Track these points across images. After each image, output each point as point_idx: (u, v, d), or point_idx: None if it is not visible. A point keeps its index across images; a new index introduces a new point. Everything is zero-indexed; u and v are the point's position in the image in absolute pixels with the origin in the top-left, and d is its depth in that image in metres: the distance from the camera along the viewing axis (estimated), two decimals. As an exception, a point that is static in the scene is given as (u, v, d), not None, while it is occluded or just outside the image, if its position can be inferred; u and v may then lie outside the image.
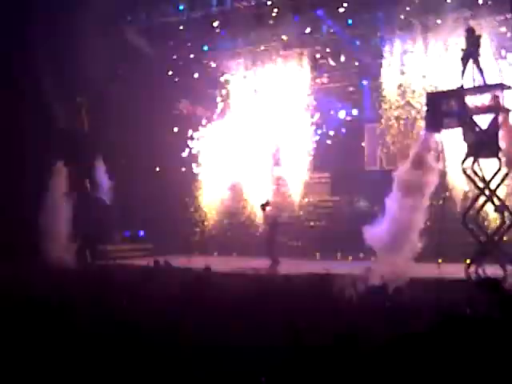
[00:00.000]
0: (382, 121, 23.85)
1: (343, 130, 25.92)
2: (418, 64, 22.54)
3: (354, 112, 25.85)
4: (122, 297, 11.64)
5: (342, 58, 24.61)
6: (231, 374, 6.53)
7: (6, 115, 20.94)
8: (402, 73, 23.00)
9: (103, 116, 23.11)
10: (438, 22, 21.74)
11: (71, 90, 22.72)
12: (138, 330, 8.20)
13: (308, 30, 24.49)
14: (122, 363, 6.91)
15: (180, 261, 19.43)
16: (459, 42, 20.96)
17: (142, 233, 26.01)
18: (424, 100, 21.82)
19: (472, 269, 15.13)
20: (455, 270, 15.68)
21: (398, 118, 23.40)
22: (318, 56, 25.23)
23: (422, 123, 20.93)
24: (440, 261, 17.80)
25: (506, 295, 7.13)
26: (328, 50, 24.91)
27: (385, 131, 24.54)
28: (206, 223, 26.62)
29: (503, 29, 21.01)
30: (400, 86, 22.99)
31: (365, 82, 25.13)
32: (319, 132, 25.69)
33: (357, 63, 24.90)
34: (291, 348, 7.09)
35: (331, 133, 25.71)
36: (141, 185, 24.02)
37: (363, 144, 25.79)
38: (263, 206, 20.76)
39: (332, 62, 24.99)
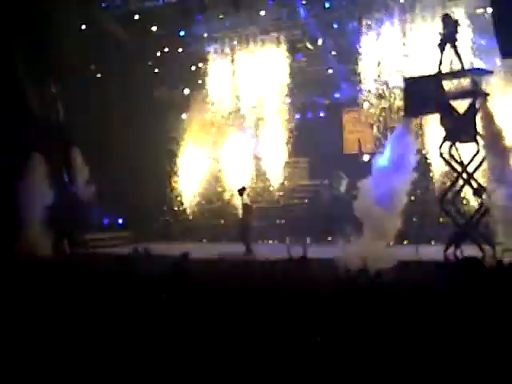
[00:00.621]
0: (361, 104, 23.85)
1: (321, 114, 25.91)
2: (396, 47, 22.47)
3: (333, 96, 25.76)
4: (101, 286, 11.59)
5: (320, 42, 24.49)
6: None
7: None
8: (381, 56, 22.90)
9: (79, 105, 22.88)
10: (416, 3, 21.74)
11: (46, 80, 22.46)
12: (117, 318, 8.22)
13: (285, 14, 24.37)
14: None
15: (159, 248, 19.43)
16: (437, 23, 21.19)
17: (120, 221, 25.84)
18: (402, 84, 22.10)
19: (450, 251, 15.22)
20: (434, 252, 15.78)
21: (376, 102, 23.37)
22: (295, 40, 25.08)
23: (400, 107, 21.06)
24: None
25: (486, 273, 7.25)
26: (305, 33, 24.76)
27: (363, 115, 24.56)
28: (185, 210, 26.56)
29: (480, 10, 21.00)
30: (379, 69, 22.92)
31: (342, 66, 24.98)
32: (297, 116, 25.64)
33: (335, 46, 24.79)
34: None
35: (309, 117, 25.68)
36: (118, 173, 23.83)
37: (342, 128, 25.72)
38: (240, 192, 20.69)
39: (310, 46, 24.88)
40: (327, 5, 23.53)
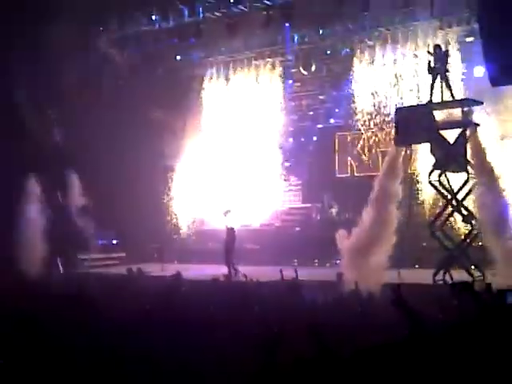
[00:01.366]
0: (353, 128, 24.25)
1: (314, 138, 26.25)
2: (388, 72, 22.91)
3: (326, 120, 26.15)
4: (94, 306, 11.75)
5: (313, 68, 24.90)
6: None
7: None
8: (373, 81, 23.31)
9: (76, 128, 23.20)
10: (408, 31, 22.22)
11: (43, 102, 22.82)
12: (110, 339, 8.31)
13: (279, 40, 24.83)
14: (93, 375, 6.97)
15: (153, 269, 19.68)
16: (428, 50, 21.62)
17: (114, 241, 26.01)
18: (394, 112, 22.49)
19: (439, 275, 15.44)
20: (422, 276, 15.97)
21: (368, 126, 23.75)
22: (289, 65, 25.49)
23: (392, 132, 21.43)
24: (417, 266, 18.20)
25: (478, 297, 7.38)
26: (299, 59, 25.18)
27: (356, 139, 24.97)
28: (180, 232, 26.78)
29: (470, 39, 21.43)
30: (371, 94, 23.32)
31: (335, 91, 25.38)
32: (290, 140, 25.98)
33: (328, 72, 25.21)
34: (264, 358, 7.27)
35: (303, 140, 26.05)
36: (115, 194, 24.00)
37: (334, 152, 26.08)
38: (225, 214, 20.73)
39: (303, 71, 25.27)
40: (321, 32, 23.88)
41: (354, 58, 23.48)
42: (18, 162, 21.46)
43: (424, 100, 19.34)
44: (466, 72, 21.17)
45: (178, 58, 26.82)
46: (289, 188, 26.19)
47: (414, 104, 19.55)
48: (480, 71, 20.33)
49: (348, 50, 24.05)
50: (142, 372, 7.07)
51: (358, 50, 23.40)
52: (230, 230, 20.23)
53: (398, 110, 18.42)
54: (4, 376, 6.79)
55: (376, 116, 23.27)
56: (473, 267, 15.56)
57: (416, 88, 21.67)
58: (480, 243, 16.23)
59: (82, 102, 22.98)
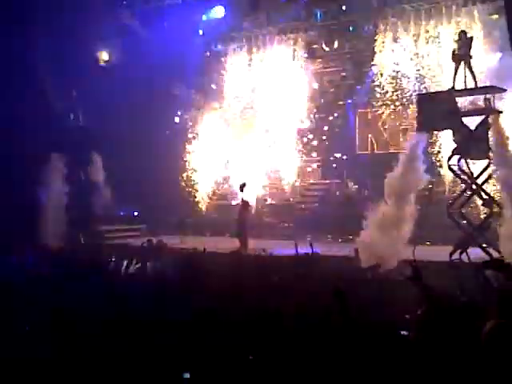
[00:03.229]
0: (375, 106, 24.27)
1: (335, 115, 26.26)
2: (410, 50, 22.84)
3: (347, 97, 26.14)
4: (115, 276, 12.02)
5: (336, 44, 24.87)
6: (220, 349, 6.81)
7: (7, 110, 21.43)
8: (395, 59, 23.26)
9: (99, 107, 23.53)
10: (431, 8, 22.11)
11: (68, 82, 23.29)
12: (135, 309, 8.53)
13: (302, 16, 24.82)
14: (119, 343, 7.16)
15: (173, 241, 19.99)
16: (450, 28, 21.53)
17: (136, 213, 26.32)
18: (416, 85, 22.48)
19: (456, 254, 15.53)
20: (439, 253, 16.05)
21: (390, 104, 23.73)
22: (311, 42, 25.48)
23: (413, 109, 21.43)
24: (428, 243, 18.23)
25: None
26: (322, 36, 25.17)
27: (377, 117, 24.96)
28: (199, 205, 27.05)
29: (495, 16, 21.28)
30: (392, 71, 23.27)
31: (357, 68, 25.35)
32: (311, 116, 26.01)
33: (350, 49, 25.18)
34: (278, 327, 7.44)
35: (323, 117, 26.10)
36: (136, 168, 24.24)
37: (355, 129, 26.10)
38: (241, 188, 20.80)
39: (326, 48, 25.25)
40: (343, 7, 23.84)
41: (377, 35, 23.40)
42: (44, 142, 21.88)
43: (446, 80, 19.34)
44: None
45: (201, 32, 26.85)
46: (308, 164, 26.25)
47: (437, 90, 19.48)
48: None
49: (371, 26, 23.98)
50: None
51: (381, 27, 23.30)
52: (245, 203, 20.36)
53: (420, 96, 18.42)
54: None
55: (397, 93, 23.24)
56: (490, 247, 15.61)
57: (438, 67, 21.56)
58: (498, 224, 16.18)
59: (105, 77, 23.19)
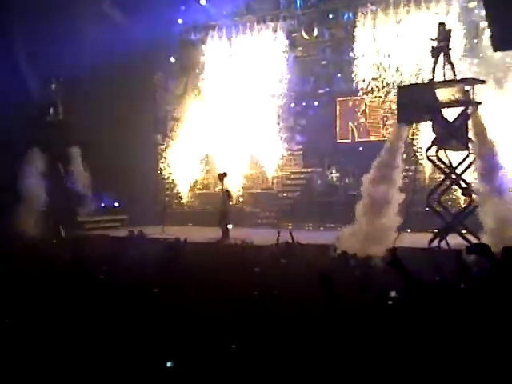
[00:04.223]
0: (355, 94, 24.31)
1: (316, 103, 26.27)
2: (390, 38, 22.86)
3: (327, 85, 26.15)
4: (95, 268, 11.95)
5: (315, 32, 24.85)
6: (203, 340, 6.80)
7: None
8: (375, 47, 23.28)
9: (79, 96, 23.40)
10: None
11: (47, 73, 23.19)
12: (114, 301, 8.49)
13: (282, 4, 24.78)
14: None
15: (154, 231, 19.94)
16: (429, 15, 21.59)
17: (117, 204, 26.22)
18: (396, 73, 22.55)
19: (435, 241, 15.67)
20: (417, 240, 16.16)
21: (370, 92, 23.78)
22: (291, 30, 25.44)
23: (393, 96, 21.51)
24: (409, 230, 18.34)
25: (494, 258, 7.52)
26: (301, 24, 25.14)
27: (357, 105, 25.01)
28: (181, 195, 27.02)
29: (473, 3, 21.37)
30: (373, 59, 23.29)
31: (337, 56, 25.36)
32: (292, 105, 26.01)
33: (330, 37, 25.18)
34: (259, 315, 7.45)
35: (304, 105, 26.11)
36: (117, 160, 24.14)
37: (335, 117, 26.13)
38: (221, 177, 20.75)
39: (306, 36, 25.23)
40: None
41: (357, 23, 23.41)
42: (22, 137, 21.84)
43: (426, 67, 19.46)
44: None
45: (180, 21, 26.71)
46: (290, 153, 26.26)
47: (416, 82, 19.60)
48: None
49: (350, 14, 23.99)
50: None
51: (361, 15, 23.31)
52: (225, 193, 20.35)
53: (399, 88, 18.50)
54: None
55: (377, 81, 23.28)
56: (469, 233, 15.76)
57: (417, 54, 21.60)
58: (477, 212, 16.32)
59: (84, 67, 23.00)
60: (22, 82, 22.80)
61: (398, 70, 22.53)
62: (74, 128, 24.10)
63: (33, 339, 6.82)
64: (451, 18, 20.77)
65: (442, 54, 16.45)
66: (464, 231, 15.83)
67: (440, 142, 16.20)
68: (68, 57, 21.73)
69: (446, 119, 16.11)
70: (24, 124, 22.34)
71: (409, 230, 17.29)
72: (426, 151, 16.67)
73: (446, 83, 16.45)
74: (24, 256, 13.84)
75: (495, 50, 18.23)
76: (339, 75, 25.43)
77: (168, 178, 27.00)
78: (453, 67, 16.44)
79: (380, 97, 23.66)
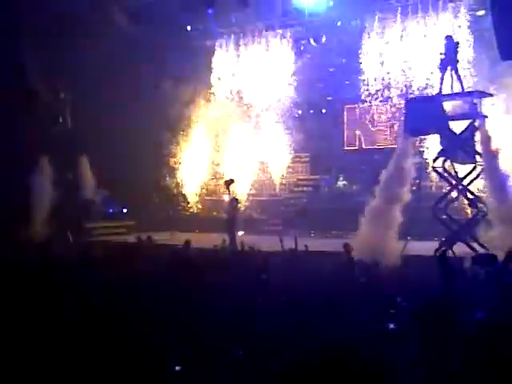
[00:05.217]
0: (362, 101, 24.37)
1: (323, 111, 26.32)
2: (397, 45, 22.92)
3: (335, 92, 26.21)
4: (104, 274, 12.01)
5: (323, 39, 24.91)
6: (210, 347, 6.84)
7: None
8: (382, 54, 23.34)
9: (87, 104, 23.56)
10: (417, 3, 22.20)
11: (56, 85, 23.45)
12: (123, 306, 8.53)
13: (290, 12, 24.86)
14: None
15: (161, 237, 20.01)
16: (437, 23, 21.64)
17: (124, 210, 26.30)
18: (403, 81, 22.60)
19: (441, 250, 15.68)
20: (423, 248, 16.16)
21: (377, 99, 23.84)
22: (299, 37, 25.52)
23: (401, 104, 21.58)
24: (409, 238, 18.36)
25: (500, 268, 7.59)
26: (310, 31, 25.20)
27: (364, 112, 25.06)
28: (188, 202, 27.07)
29: (481, 12, 21.39)
30: (380, 67, 23.34)
31: (345, 63, 25.40)
32: (299, 112, 26.07)
33: (338, 44, 25.22)
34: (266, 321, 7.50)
35: (311, 112, 26.17)
36: (125, 166, 24.19)
37: (343, 124, 26.18)
38: (227, 184, 20.79)
39: (314, 43, 25.28)
40: (331, 3, 23.87)
41: (365, 30, 23.47)
42: (33, 147, 22.10)
43: (433, 75, 19.53)
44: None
45: (189, 28, 26.82)
46: (297, 160, 26.31)
47: (424, 95, 19.67)
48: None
49: (358, 22, 24.03)
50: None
51: (368, 23, 23.37)
52: (233, 200, 20.42)
53: (407, 100, 18.64)
54: None
55: (385, 89, 23.35)
56: (475, 243, 15.78)
57: (425, 61, 21.65)
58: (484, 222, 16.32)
59: (93, 79, 23.14)
60: (33, 93, 23.02)
61: (405, 78, 22.58)
62: (83, 136, 24.26)
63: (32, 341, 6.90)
64: (459, 26, 20.84)
65: (449, 66, 16.48)
66: (471, 241, 15.85)
67: (446, 154, 16.26)
68: (77, 67, 21.98)
69: (454, 132, 16.16)
70: (34, 134, 22.49)
71: (409, 238, 17.32)
72: (433, 162, 16.72)
73: (453, 96, 16.48)
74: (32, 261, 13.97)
75: (503, 58, 18.23)
76: (347, 82, 25.46)
77: (176, 184, 27.06)
78: (460, 80, 16.45)
79: (387, 104, 23.73)
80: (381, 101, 23.77)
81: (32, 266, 12.24)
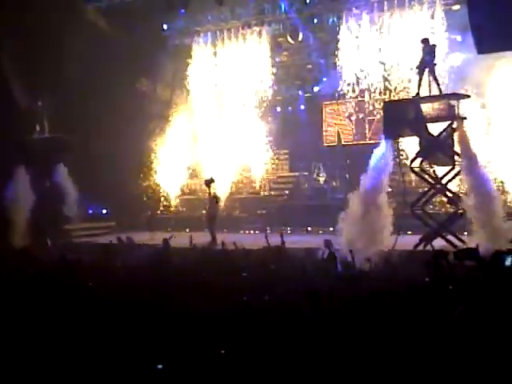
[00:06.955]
0: (341, 98, 24.41)
1: (302, 107, 26.34)
2: (375, 41, 22.93)
3: (313, 89, 26.25)
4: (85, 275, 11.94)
5: (300, 37, 24.89)
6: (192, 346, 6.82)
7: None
8: (360, 50, 23.34)
9: (64, 110, 23.38)
10: (394, 0, 22.26)
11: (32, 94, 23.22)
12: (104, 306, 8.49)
13: (266, 9, 24.80)
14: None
15: (142, 237, 19.91)
16: (415, 19, 21.72)
17: (104, 211, 26.14)
18: (381, 77, 22.66)
19: (421, 245, 15.81)
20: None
21: (355, 96, 23.89)
22: (276, 34, 25.48)
23: (379, 100, 21.67)
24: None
25: (482, 261, 7.65)
26: (286, 28, 25.16)
27: (343, 108, 25.11)
28: (165, 202, 26.95)
29: (456, 7, 21.50)
30: (357, 63, 23.35)
31: (322, 60, 25.42)
32: (278, 109, 26.06)
33: (315, 41, 25.22)
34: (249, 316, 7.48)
35: (290, 110, 26.17)
36: (103, 167, 24.05)
37: (321, 121, 26.22)
38: (207, 183, 20.78)
39: (291, 41, 25.25)
40: (308, 0, 23.85)
41: (341, 27, 23.47)
42: (8, 155, 21.92)
43: (410, 70, 19.61)
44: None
45: (165, 27, 26.67)
46: (276, 157, 26.31)
47: (402, 98, 19.76)
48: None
49: (335, 18, 24.03)
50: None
51: (345, 19, 23.37)
52: (213, 199, 20.41)
53: (386, 103, 18.77)
54: None
55: (363, 85, 23.36)
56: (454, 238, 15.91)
57: (402, 57, 21.72)
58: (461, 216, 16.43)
59: (68, 75, 22.95)
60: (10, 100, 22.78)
61: (383, 73, 22.64)
62: (61, 141, 23.98)
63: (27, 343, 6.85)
64: (435, 21, 20.95)
65: (427, 69, 16.54)
66: (449, 236, 15.98)
67: (425, 155, 16.39)
68: (54, 72, 21.79)
69: (432, 134, 16.28)
70: (10, 143, 22.28)
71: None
72: (411, 163, 16.84)
73: (431, 98, 16.55)
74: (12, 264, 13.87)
75: (479, 52, 18.31)
76: (325, 79, 25.50)
77: (155, 184, 26.91)
78: (437, 82, 16.50)
79: (365, 101, 23.80)
80: (359, 97, 23.77)
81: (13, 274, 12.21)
